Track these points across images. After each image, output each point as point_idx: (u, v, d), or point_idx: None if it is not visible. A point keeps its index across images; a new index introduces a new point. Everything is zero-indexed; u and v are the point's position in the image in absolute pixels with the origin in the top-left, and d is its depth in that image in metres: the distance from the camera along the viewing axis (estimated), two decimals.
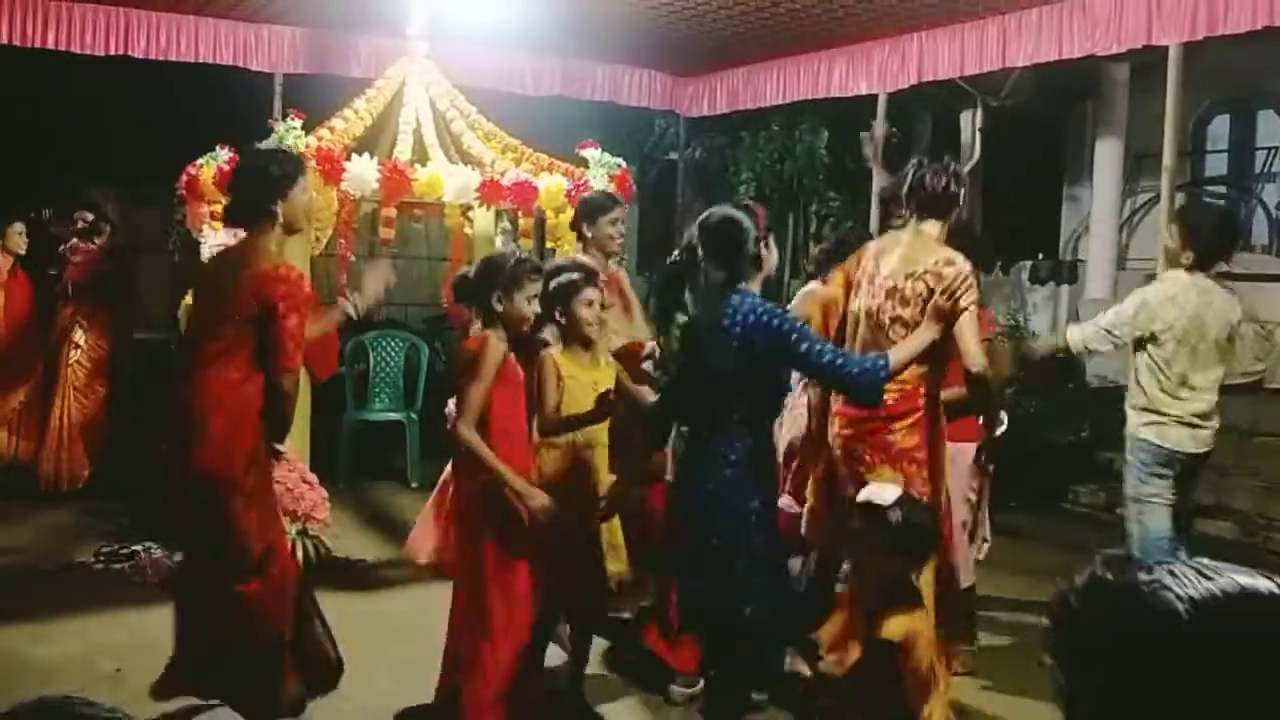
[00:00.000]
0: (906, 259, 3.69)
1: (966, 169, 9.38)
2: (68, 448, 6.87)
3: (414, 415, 7.48)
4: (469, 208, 5.69)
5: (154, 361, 7.18)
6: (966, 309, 3.49)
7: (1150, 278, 5.26)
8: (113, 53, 6.66)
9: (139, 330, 7.49)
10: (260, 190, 3.50)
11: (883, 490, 3.22)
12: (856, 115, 8.13)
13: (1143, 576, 0.95)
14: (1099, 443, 7.83)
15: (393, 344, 7.75)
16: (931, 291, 3.55)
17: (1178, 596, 0.92)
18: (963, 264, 3.60)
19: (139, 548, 5.54)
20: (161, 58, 6.82)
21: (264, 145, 5.15)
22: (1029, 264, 9.49)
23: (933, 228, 3.75)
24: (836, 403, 3.77)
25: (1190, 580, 0.93)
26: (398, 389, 7.70)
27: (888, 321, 3.68)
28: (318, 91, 6.66)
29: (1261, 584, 0.94)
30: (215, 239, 6.12)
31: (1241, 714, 0.90)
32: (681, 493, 3.42)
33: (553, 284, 3.76)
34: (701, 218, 3.35)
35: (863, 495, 3.25)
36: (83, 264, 6.93)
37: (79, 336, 6.91)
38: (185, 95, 7.87)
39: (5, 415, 6.92)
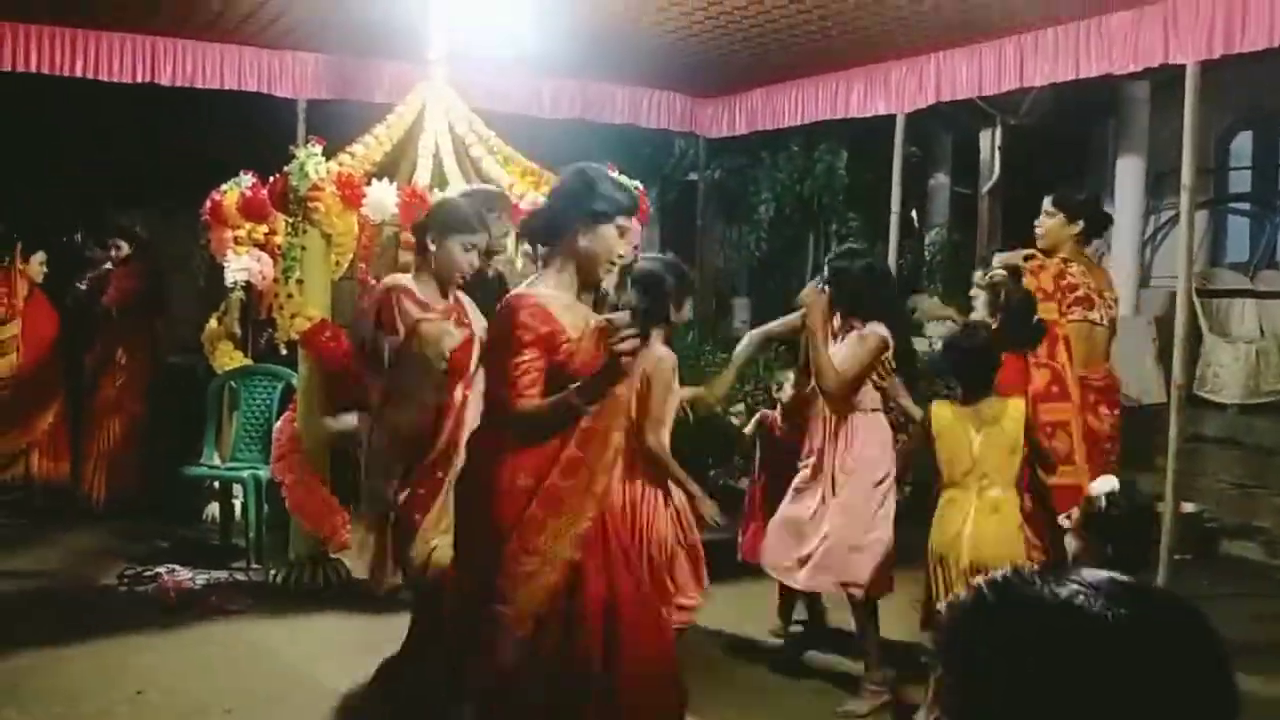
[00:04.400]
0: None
1: (986, 188, 9.44)
2: (110, 469, 6.98)
3: None
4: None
5: (183, 384, 7.24)
6: None
7: (1173, 295, 5.24)
8: (140, 80, 6.77)
9: (170, 352, 7.60)
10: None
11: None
12: (875, 135, 8.15)
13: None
14: (1123, 463, 7.77)
15: None
16: None
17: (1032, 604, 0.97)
18: None
19: (163, 570, 5.60)
20: (188, 84, 6.92)
21: (282, 171, 5.24)
22: None
23: None
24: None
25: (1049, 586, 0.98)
26: None
27: None
28: (341, 117, 6.74)
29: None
30: (239, 264, 6.23)
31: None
32: None
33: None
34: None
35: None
36: (121, 289, 7.03)
37: (121, 359, 7.03)
38: (210, 121, 7.99)
39: (35, 438, 7.02)
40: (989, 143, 8.96)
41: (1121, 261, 9.05)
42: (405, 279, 3.97)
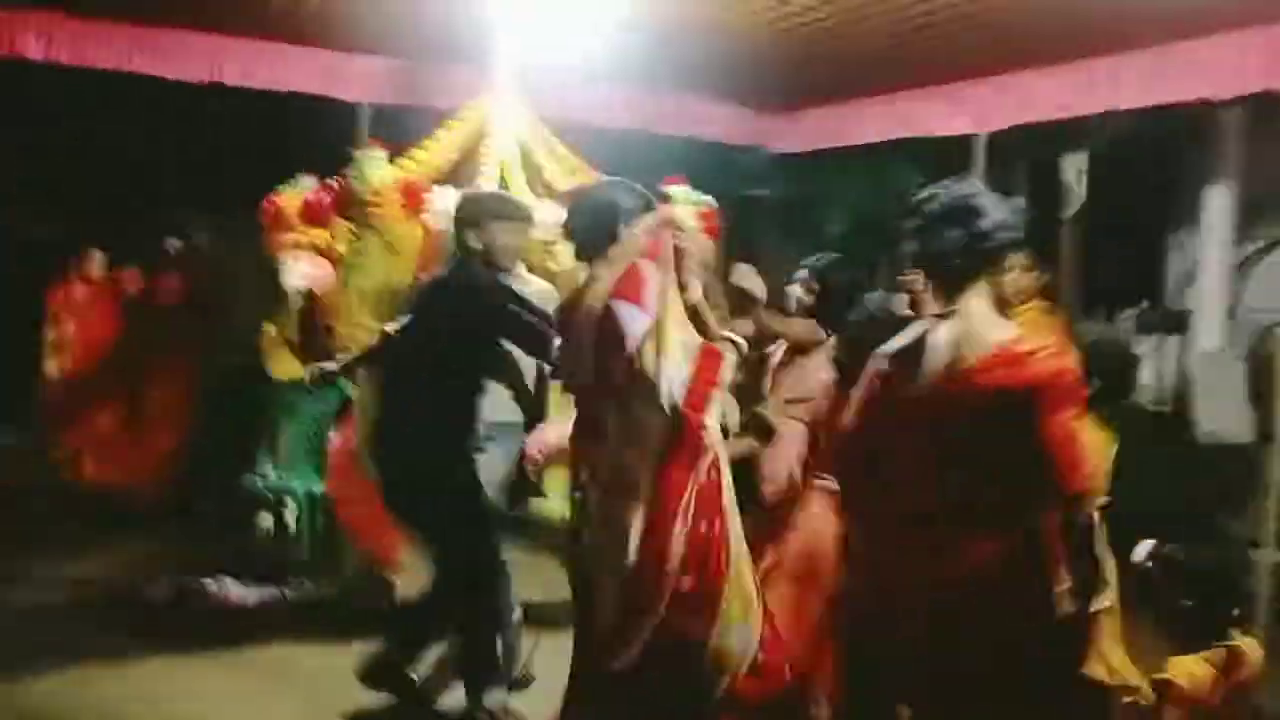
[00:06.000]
0: None
1: (1070, 213, 9.10)
2: (162, 474, 6.92)
3: None
4: (552, 242, 5.54)
5: (240, 387, 7.14)
6: None
7: (1270, 328, 4.94)
8: (205, 79, 6.68)
9: (228, 354, 7.50)
10: None
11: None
12: (951, 154, 7.87)
13: None
14: (1211, 504, 7.41)
15: None
16: None
17: None
18: None
19: (212, 582, 5.47)
20: (251, 84, 6.83)
21: (343, 175, 5.11)
22: (1134, 313, 9.08)
23: None
24: None
25: None
26: None
27: None
28: (406, 122, 6.61)
29: None
30: (297, 269, 6.08)
31: None
32: None
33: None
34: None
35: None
36: (175, 291, 6.96)
37: (172, 362, 6.94)
38: (271, 122, 7.91)
39: (89, 442, 6.94)
40: (1072, 166, 8.64)
41: (1210, 290, 8.70)
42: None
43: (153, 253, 7.25)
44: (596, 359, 2.93)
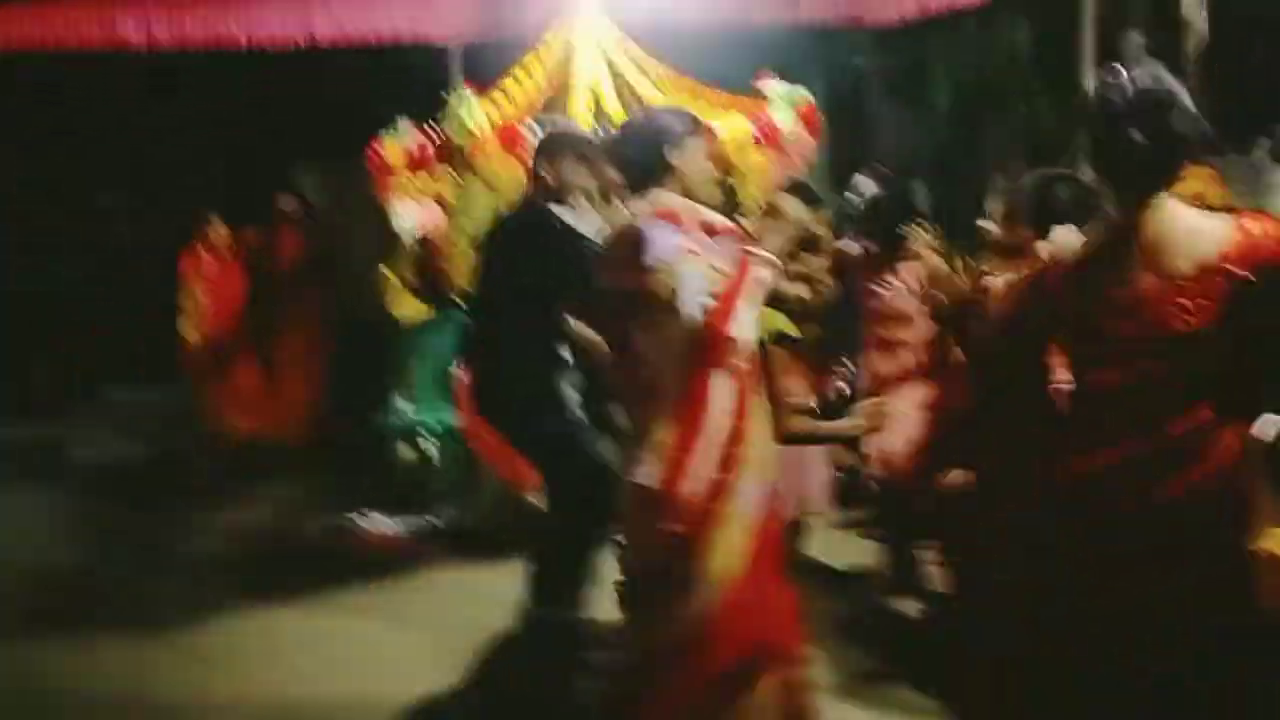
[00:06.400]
0: None
1: (1193, 50, 8.51)
2: (302, 421, 7.30)
3: None
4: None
5: (366, 331, 7.41)
6: None
7: None
8: (298, 41, 6.80)
9: (353, 301, 7.78)
10: None
11: None
12: (1060, 4, 7.46)
13: None
14: None
15: None
16: None
17: None
18: None
19: (359, 517, 5.77)
20: (343, 37, 6.91)
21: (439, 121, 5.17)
22: (1268, 141, 8.51)
23: None
24: None
25: None
26: None
27: None
28: (501, 58, 6.59)
29: None
30: (407, 215, 6.23)
31: None
32: None
33: None
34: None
35: None
36: (289, 251, 7.23)
37: (300, 314, 7.26)
38: (367, 71, 8.01)
39: (230, 397, 7.35)
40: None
41: None
42: None
43: (267, 213, 7.52)
44: (624, 272, 2.86)
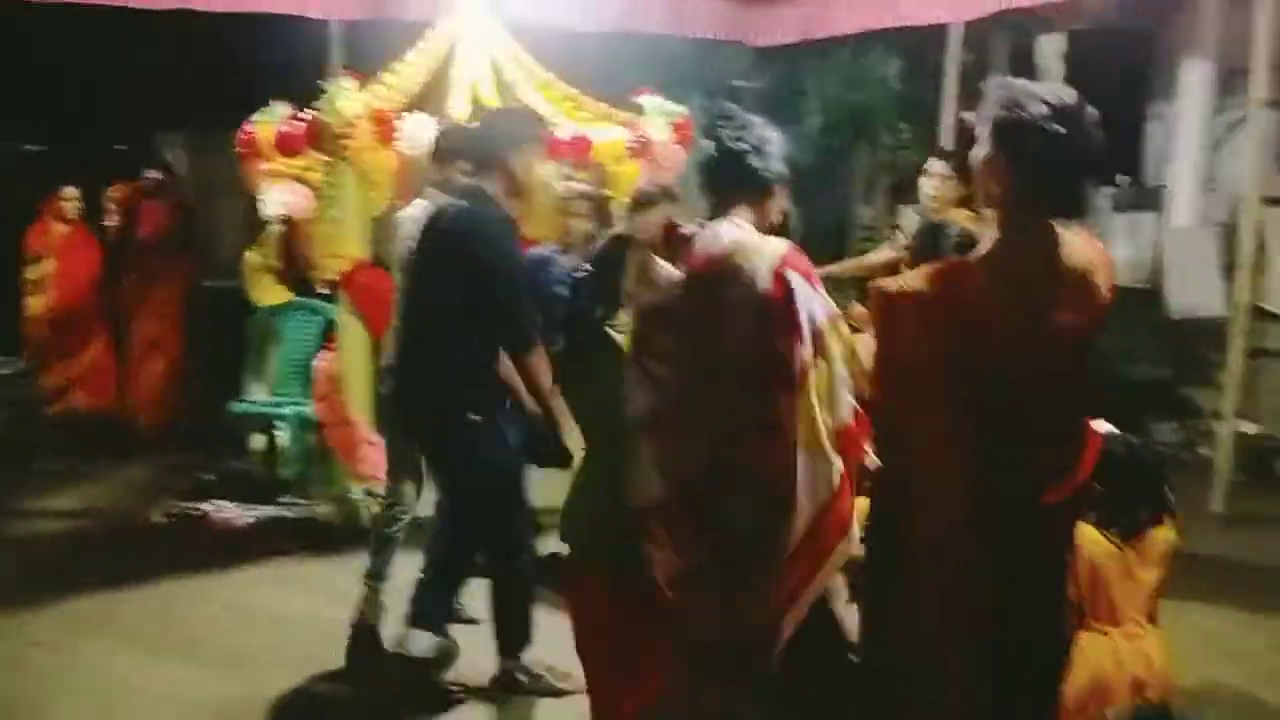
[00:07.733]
0: None
1: None
2: (153, 402, 7.08)
3: None
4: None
5: (225, 310, 7.25)
6: None
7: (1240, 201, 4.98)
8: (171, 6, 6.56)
9: (210, 278, 7.57)
10: None
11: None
12: (929, 42, 7.79)
13: None
14: (1180, 379, 7.58)
15: None
16: None
17: None
18: None
19: (209, 507, 5.65)
20: (218, 8, 6.70)
21: (314, 107, 5.09)
22: (1111, 191, 9.08)
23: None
24: None
25: None
26: None
27: None
28: (379, 39, 6.51)
29: None
30: (275, 197, 6.11)
31: None
32: None
33: None
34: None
35: None
36: (153, 222, 7.00)
37: (155, 292, 7.03)
38: (247, 40, 7.80)
39: (79, 374, 7.08)
40: (1051, 49, 8.54)
41: (1186, 165, 8.70)
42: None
43: (132, 177, 7.25)
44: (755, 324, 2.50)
